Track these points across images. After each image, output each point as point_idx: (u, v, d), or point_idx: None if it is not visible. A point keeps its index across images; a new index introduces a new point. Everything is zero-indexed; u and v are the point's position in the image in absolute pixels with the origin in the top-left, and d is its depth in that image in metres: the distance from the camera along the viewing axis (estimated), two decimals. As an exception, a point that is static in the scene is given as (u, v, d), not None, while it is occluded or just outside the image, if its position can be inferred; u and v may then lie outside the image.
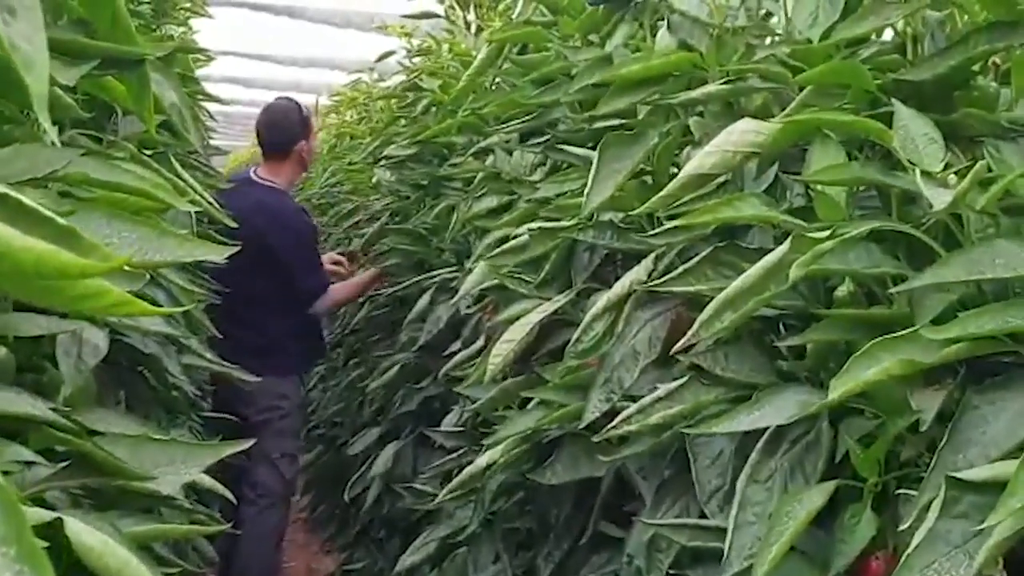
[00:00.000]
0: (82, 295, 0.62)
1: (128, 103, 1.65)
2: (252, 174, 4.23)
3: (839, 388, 1.13)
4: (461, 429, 2.81)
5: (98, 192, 1.31)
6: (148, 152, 1.92)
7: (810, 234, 1.24)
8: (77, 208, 1.11)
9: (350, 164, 5.53)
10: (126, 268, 0.79)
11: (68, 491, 1.15)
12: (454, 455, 2.68)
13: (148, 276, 1.86)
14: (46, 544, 0.71)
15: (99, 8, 1.39)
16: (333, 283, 4.23)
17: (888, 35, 1.64)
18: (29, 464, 1.10)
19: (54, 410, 1.15)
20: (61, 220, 0.51)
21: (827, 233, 1.24)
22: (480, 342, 2.66)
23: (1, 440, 1.05)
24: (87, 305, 0.63)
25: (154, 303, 1.82)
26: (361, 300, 4.60)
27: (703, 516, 1.48)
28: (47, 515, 0.82)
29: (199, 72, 4.05)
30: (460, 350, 2.84)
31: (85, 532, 0.84)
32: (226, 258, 1.21)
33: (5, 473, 1.05)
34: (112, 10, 1.40)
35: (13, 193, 0.52)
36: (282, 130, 4.11)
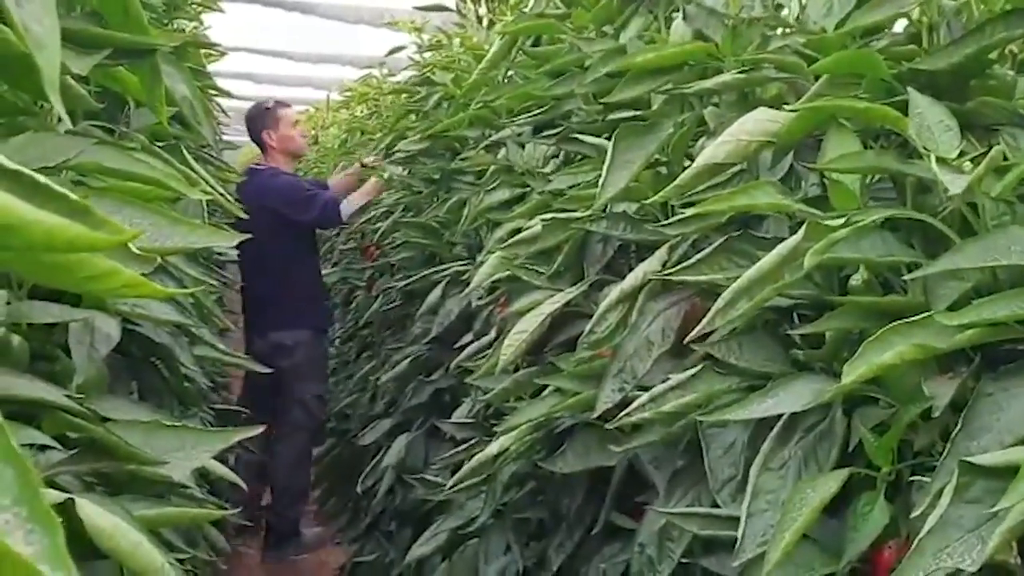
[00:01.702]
0: (92, 275, 0.63)
1: (140, 94, 1.65)
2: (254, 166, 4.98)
3: (852, 373, 1.13)
4: (472, 420, 2.81)
5: (111, 181, 1.31)
6: (160, 144, 1.93)
7: (824, 222, 1.24)
8: (89, 195, 1.12)
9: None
10: (137, 252, 0.80)
11: (80, 477, 1.15)
12: (465, 446, 2.68)
13: (161, 266, 1.87)
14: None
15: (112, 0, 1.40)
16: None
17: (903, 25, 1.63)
18: (43, 448, 1.11)
19: (67, 396, 1.16)
20: (74, 196, 0.51)
21: (841, 221, 1.23)
22: (492, 334, 2.66)
23: (15, 423, 1.06)
24: (98, 286, 0.64)
25: (167, 293, 1.83)
26: (374, 294, 4.64)
27: (715, 506, 1.47)
28: (59, 496, 0.82)
29: (211, 67, 4.07)
30: (472, 342, 2.84)
31: (97, 514, 0.84)
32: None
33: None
34: (124, 2, 1.40)
35: (27, 170, 0.52)
36: (251, 126, 5.00)
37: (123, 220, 1.13)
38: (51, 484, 1.00)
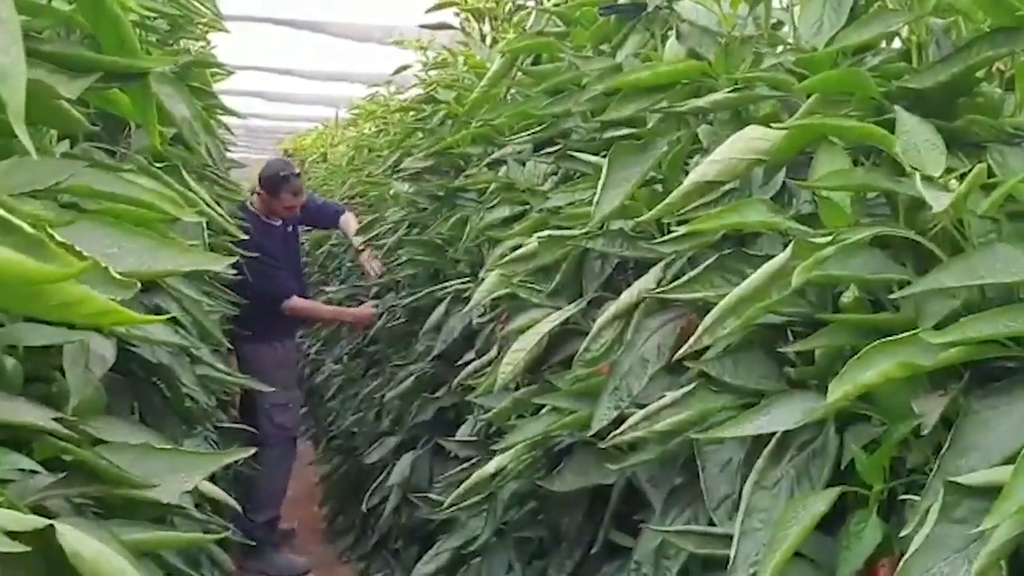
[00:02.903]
0: (63, 303, 0.63)
1: (135, 116, 1.67)
2: None
3: (837, 391, 1.13)
4: (475, 439, 2.81)
5: (106, 203, 1.32)
6: (160, 164, 1.94)
7: (812, 240, 1.24)
8: (78, 219, 1.12)
9: (369, 176, 5.56)
10: (117, 276, 0.80)
11: (71, 500, 1.15)
12: (469, 464, 2.67)
13: (158, 286, 1.88)
14: (30, 549, 0.71)
15: (105, 24, 1.41)
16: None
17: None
18: (33, 473, 1.11)
19: (59, 420, 1.16)
20: (29, 228, 0.52)
21: (829, 239, 1.23)
22: (493, 352, 2.66)
23: (3, 448, 1.06)
24: (69, 314, 0.64)
25: (163, 313, 1.84)
26: (380, 311, 4.65)
27: (712, 524, 1.47)
28: (40, 522, 0.82)
29: (220, 86, 4.10)
30: (474, 359, 2.84)
31: (78, 540, 0.84)
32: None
33: (6, 481, 1.06)
34: (117, 26, 1.41)
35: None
36: (263, 172, 5.24)
37: (112, 244, 1.14)
38: (38, 509, 1.00)
